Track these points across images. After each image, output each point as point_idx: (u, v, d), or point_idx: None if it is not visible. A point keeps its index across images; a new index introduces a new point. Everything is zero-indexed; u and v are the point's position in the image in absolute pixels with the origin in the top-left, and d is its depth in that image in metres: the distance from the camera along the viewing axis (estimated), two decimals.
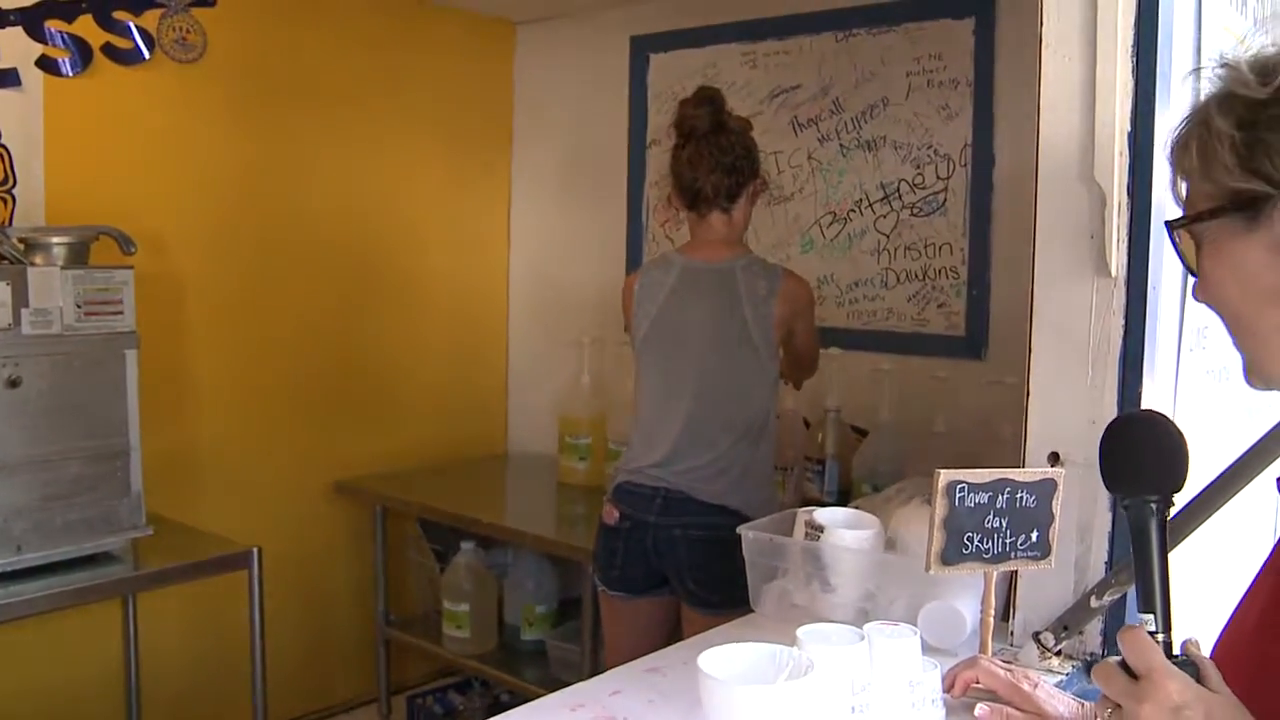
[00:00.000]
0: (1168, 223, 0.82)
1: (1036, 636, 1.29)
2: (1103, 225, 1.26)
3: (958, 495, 1.14)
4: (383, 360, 3.08)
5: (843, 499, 2.29)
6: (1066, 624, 1.28)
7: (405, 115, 3.08)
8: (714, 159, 1.98)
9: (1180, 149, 0.80)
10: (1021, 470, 1.19)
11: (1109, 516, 1.30)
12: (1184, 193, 0.82)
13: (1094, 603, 1.26)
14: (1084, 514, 1.30)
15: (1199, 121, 0.79)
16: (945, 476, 1.14)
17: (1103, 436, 0.85)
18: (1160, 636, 0.76)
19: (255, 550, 2.14)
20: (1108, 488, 1.08)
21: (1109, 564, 1.30)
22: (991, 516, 1.16)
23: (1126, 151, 1.26)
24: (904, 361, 2.50)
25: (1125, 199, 1.26)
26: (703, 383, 1.99)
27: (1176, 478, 0.80)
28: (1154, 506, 0.78)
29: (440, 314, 3.23)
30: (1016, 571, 1.33)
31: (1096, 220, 1.27)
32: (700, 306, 2.00)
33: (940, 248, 2.52)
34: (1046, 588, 1.32)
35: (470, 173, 3.29)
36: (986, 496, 1.16)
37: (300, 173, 2.85)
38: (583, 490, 2.92)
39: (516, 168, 3.40)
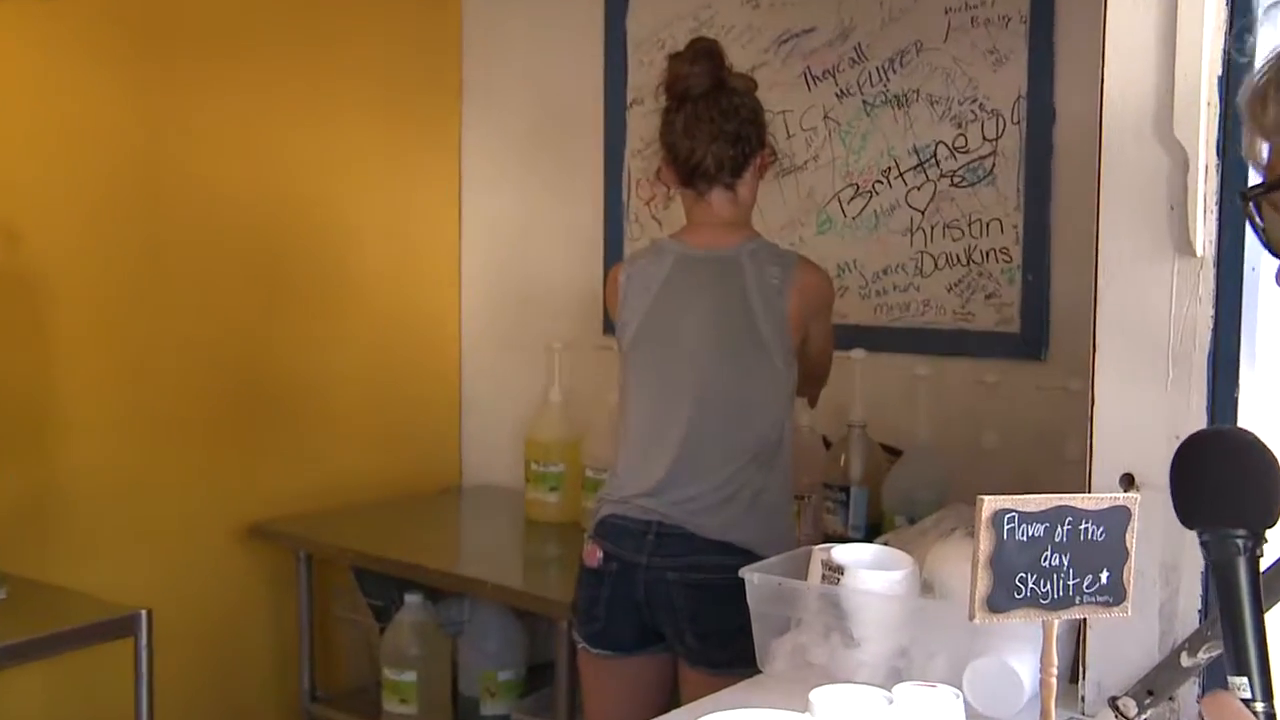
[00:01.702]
0: (1243, 193, 0.81)
1: (1114, 703, 1.28)
2: (1185, 193, 1.26)
3: (1006, 527, 1.12)
4: (306, 375, 3.07)
5: (871, 534, 2.28)
6: (1151, 688, 1.27)
7: (330, 72, 3.07)
8: (715, 126, 1.99)
9: (1257, 102, 0.79)
10: (1086, 496, 1.17)
11: (1200, 553, 1.27)
12: (1264, 156, 0.81)
13: (1185, 661, 1.25)
14: (1169, 550, 1.30)
15: None
16: (990, 504, 1.12)
17: (1175, 457, 0.85)
18: (1260, 707, 0.74)
19: (144, 613, 2.12)
20: (1181, 519, 1.07)
21: (1203, 613, 1.30)
22: (1049, 553, 1.14)
23: (1217, 101, 1.25)
24: (944, 365, 2.48)
25: (1214, 160, 1.26)
26: (703, 393, 1.98)
27: (1268, 509, 0.78)
28: (1240, 543, 0.77)
29: (377, 317, 3.22)
30: (1085, 622, 1.32)
31: (1178, 187, 1.27)
32: (699, 302, 2.01)
33: (988, 225, 2.51)
34: (1124, 642, 1.32)
35: (411, 143, 3.29)
36: (1042, 528, 1.13)
37: (198, 144, 2.83)
38: (555, 528, 2.91)
39: (468, 136, 3.39)
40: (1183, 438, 1.27)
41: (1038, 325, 2.45)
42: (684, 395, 2.00)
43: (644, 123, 2.98)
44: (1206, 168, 1.25)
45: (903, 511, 2.29)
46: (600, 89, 3.08)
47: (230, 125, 2.89)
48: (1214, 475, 0.80)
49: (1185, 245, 1.26)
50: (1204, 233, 1.26)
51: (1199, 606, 1.29)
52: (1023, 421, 2.38)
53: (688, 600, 1.94)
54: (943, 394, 2.43)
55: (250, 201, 2.94)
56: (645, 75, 2.94)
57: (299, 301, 3.05)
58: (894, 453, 2.44)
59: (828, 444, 2.50)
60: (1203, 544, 0.89)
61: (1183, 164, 1.26)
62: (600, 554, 2.02)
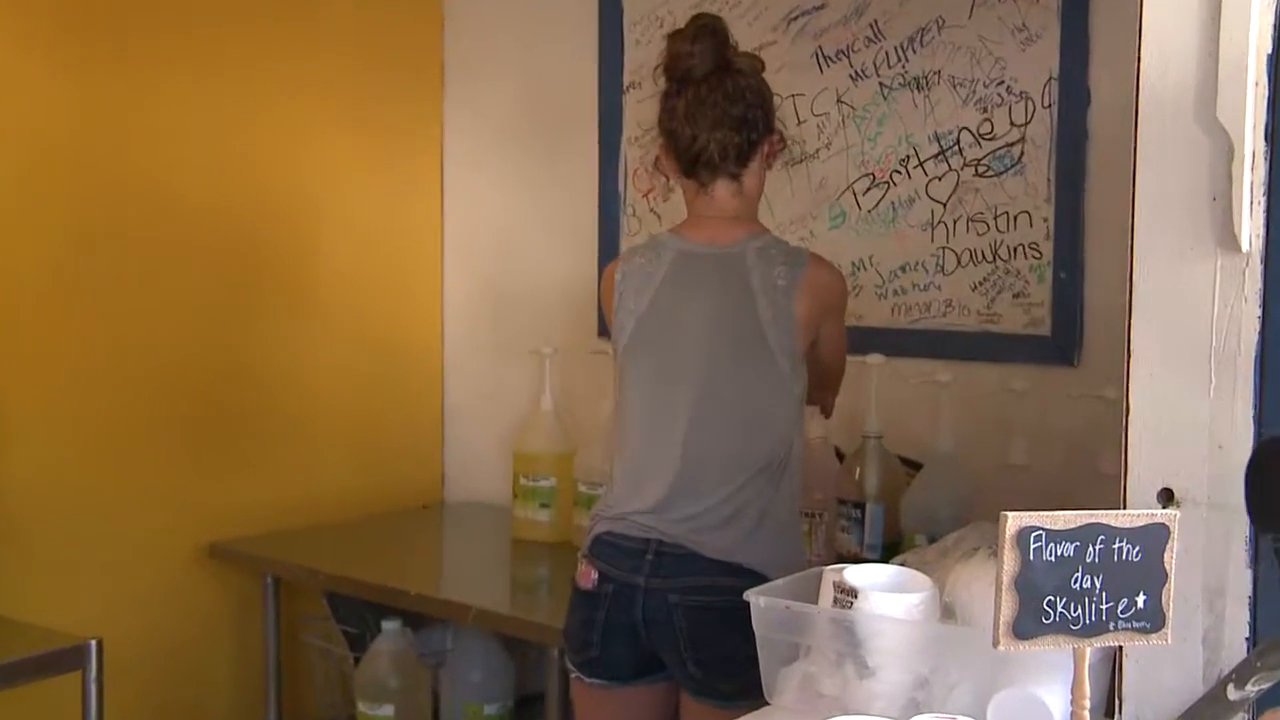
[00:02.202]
0: None
1: None
2: (1229, 183, 1.25)
3: (1033, 546, 1.12)
4: (274, 382, 3.07)
5: (888, 554, 2.28)
6: None
7: (298, 54, 3.07)
8: (719, 110, 1.98)
9: None
10: (1120, 513, 1.17)
11: (1248, 575, 1.28)
12: None
13: (1233, 694, 1.23)
14: (1213, 572, 1.29)
15: None
16: (1015, 521, 1.11)
17: (1254, 455, 0.83)
18: None
19: (93, 643, 2.11)
20: (1255, 524, 1.05)
21: (1251, 640, 1.28)
22: (1080, 574, 1.14)
23: (1265, 80, 1.24)
24: (968, 371, 2.48)
25: (1262, 146, 1.24)
26: (705, 403, 1.97)
27: None
28: None
29: (352, 320, 3.22)
30: (1121, 650, 1.31)
31: (1221, 176, 1.25)
32: (701, 302, 2.00)
33: (1016, 218, 2.51)
34: (1164, 672, 1.30)
35: (390, 131, 3.30)
36: (1073, 547, 1.13)
37: (152, 130, 2.82)
38: (546, 548, 2.91)
39: (450, 123, 3.40)
40: (1228, 448, 1.28)
41: (1070, 327, 2.44)
42: (684, 404, 1.98)
43: (642, 108, 2.97)
44: (1253, 155, 1.24)
45: (923, 530, 2.28)
46: (594, 72, 3.09)
47: (187, 110, 2.89)
48: None
49: (1229, 239, 1.25)
50: (1250, 226, 1.24)
51: (1247, 634, 1.28)
52: (1054, 432, 2.37)
53: (690, 624, 1.93)
54: (967, 402, 2.43)
55: (212, 195, 2.95)
56: (643, 56, 2.94)
57: (266, 302, 3.06)
58: (913, 466, 2.43)
59: (841, 456, 2.50)
60: (1275, 551, 0.87)
61: (1227, 150, 1.24)
62: (595, 575, 2.00)
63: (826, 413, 2.28)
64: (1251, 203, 1.24)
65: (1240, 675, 1.24)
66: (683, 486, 1.97)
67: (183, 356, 2.90)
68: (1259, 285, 1.25)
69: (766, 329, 1.95)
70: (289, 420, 3.09)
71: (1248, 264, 1.25)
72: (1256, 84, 1.24)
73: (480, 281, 3.39)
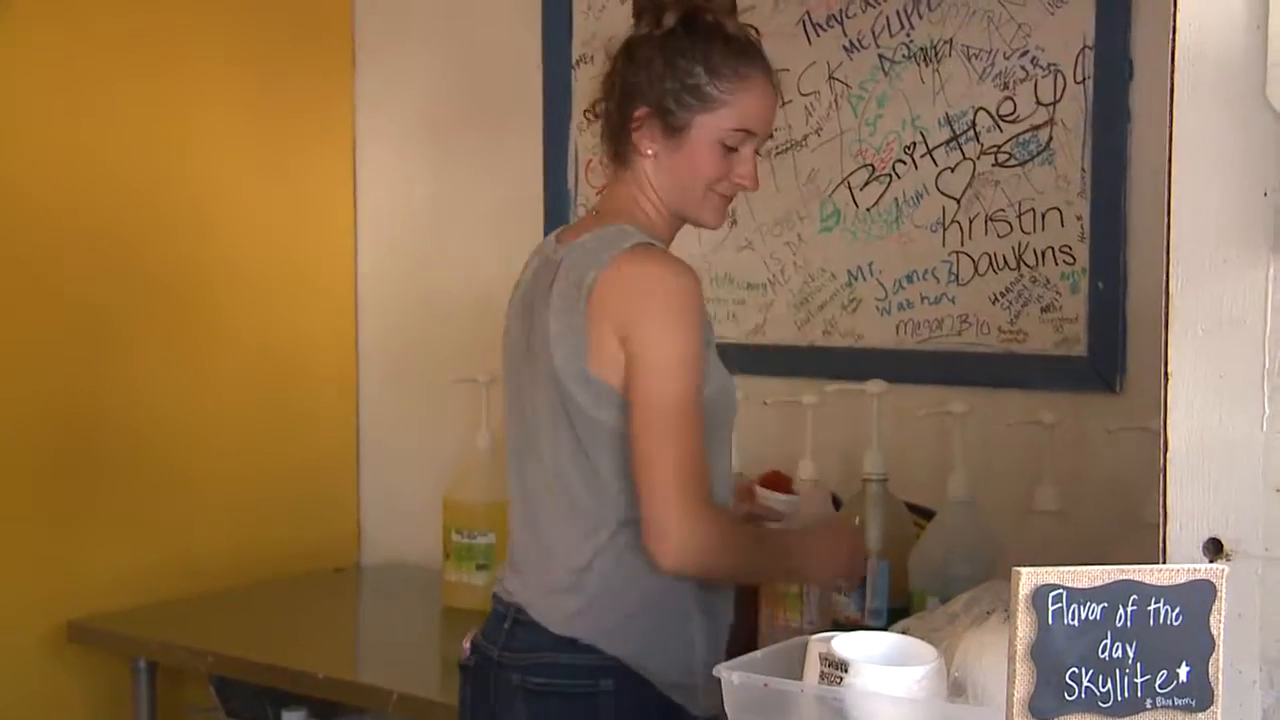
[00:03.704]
0: None
1: None
2: None
3: (1052, 608, 1.14)
4: (150, 425, 3.06)
5: (895, 620, 2.22)
6: None
7: (183, 16, 3.07)
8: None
9: None
10: (1156, 568, 1.18)
11: None
12: None
13: None
14: (1273, 639, 1.30)
15: None
16: (1030, 578, 1.13)
17: None
18: None
19: None
20: None
21: None
22: (1109, 642, 1.16)
23: None
24: (989, 399, 2.50)
25: None
26: (529, 442, 2.07)
27: None
28: None
29: (244, 344, 3.22)
30: None
31: (1272, 167, 1.28)
32: (516, 324, 2.11)
33: (1044, 216, 2.54)
34: None
35: (291, 113, 3.31)
36: (1100, 610, 1.15)
37: None
38: (483, 618, 2.88)
39: (364, 101, 3.42)
40: None
41: (1110, 347, 2.47)
42: (519, 446, 2.10)
43: (593, 86, 2.99)
44: None
45: (936, 590, 2.28)
46: (537, 45, 3.10)
47: (45, 90, 2.88)
48: None
49: None
50: None
51: None
52: (1092, 473, 2.40)
53: (530, 713, 2.00)
54: (987, 437, 2.44)
55: (75, 192, 2.94)
56: (595, 26, 2.97)
57: (136, 324, 3.04)
58: (924, 514, 2.45)
59: (837, 503, 2.51)
60: None
61: (1278, 136, 1.26)
62: (468, 645, 2.12)
63: (651, 548, 1.93)
64: None
65: None
66: (529, 541, 2.07)
67: (31, 394, 2.88)
68: None
69: (553, 351, 1.98)
70: (168, 470, 3.08)
71: None
72: None
73: (402, 294, 3.39)
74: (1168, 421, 1.34)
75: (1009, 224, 2.57)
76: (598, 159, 3.03)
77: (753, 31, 2.09)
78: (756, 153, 2.07)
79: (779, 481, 2.34)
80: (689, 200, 2.05)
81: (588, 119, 2.80)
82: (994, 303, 2.59)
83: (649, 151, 2.03)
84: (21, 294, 2.88)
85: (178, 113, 3.10)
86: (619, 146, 2.07)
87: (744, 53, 2.04)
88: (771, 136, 2.18)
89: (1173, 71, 1.33)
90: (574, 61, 3.07)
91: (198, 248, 3.15)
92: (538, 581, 2.04)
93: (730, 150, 2.02)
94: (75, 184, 2.95)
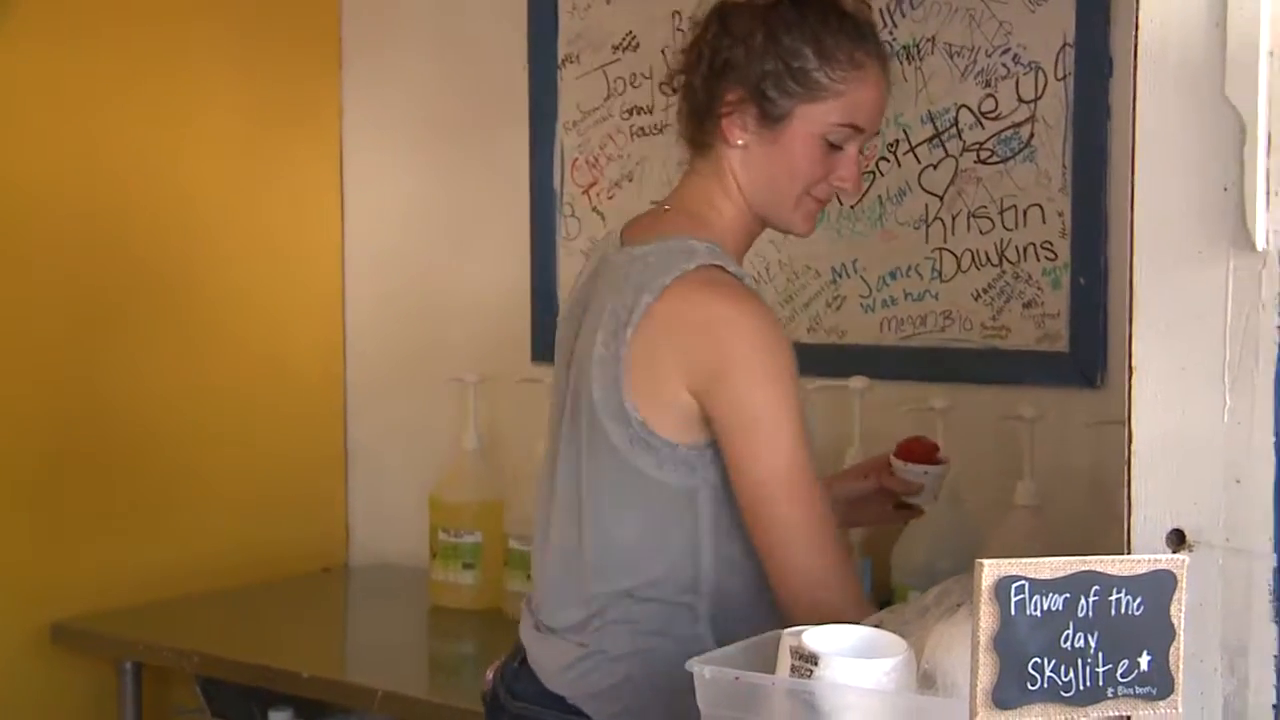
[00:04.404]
0: None
1: None
2: (1241, 170, 1.27)
3: (1014, 599, 1.14)
4: (137, 425, 3.07)
5: None
6: None
7: (172, 18, 3.08)
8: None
9: None
10: (1118, 559, 1.19)
11: (1274, 630, 1.30)
12: None
13: None
14: (1233, 628, 1.31)
15: None
16: (993, 570, 1.14)
17: None
18: None
19: None
20: None
21: (1279, 708, 1.30)
22: (1072, 632, 1.16)
23: None
24: (971, 395, 2.51)
25: (1279, 127, 1.28)
26: (563, 480, 1.85)
27: None
28: None
29: (233, 345, 3.23)
30: None
31: (1232, 162, 1.28)
32: (565, 327, 1.90)
33: (1026, 213, 2.55)
34: None
35: (278, 114, 3.31)
36: (1062, 600, 1.16)
37: None
38: (472, 618, 2.93)
39: (351, 104, 3.43)
40: (1246, 481, 1.31)
41: (1092, 342, 2.49)
42: (556, 477, 1.86)
43: (580, 86, 3.01)
44: (1269, 137, 1.25)
45: (919, 585, 2.27)
46: (523, 45, 3.11)
47: (30, 89, 2.88)
48: None
49: (1242, 237, 1.27)
50: (1266, 221, 1.26)
51: (1274, 701, 1.29)
52: (1073, 467, 2.41)
53: None
54: (968, 433, 2.45)
55: (64, 192, 2.94)
56: (580, 25, 2.98)
57: (123, 326, 3.05)
58: (907, 510, 2.46)
59: None
60: None
61: (1238, 133, 1.27)
62: (490, 676, 1.96)
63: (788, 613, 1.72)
64: (1269, 193, 1.26)
65: None
66: (556, 581, 1.87)
67: (19, 393, 2.89)
68: (1278, 290, 1.27)
69: (594, 387, 1.76)
70: (153, 468, 3.09)
71: (1264, 265, 1.27)
72: (1271, 54, 1.25)
73: (389, 295, 3.39)
74: (1132, 414, 1.35)
75: (991, 220, 2.59)
76: (583, 158, 3.06)
77: (868, 9, 1.83)
78: (861, 152, 1.84)
79: (919, 449, 2.09)
80: (780, 202, 1.82)
81: (664, 93, 2.74)
82: (976, 299, 2.60)
83: (739, 141, 1.79)
84: (7, 296, 2.88)
85: (166, 114, 3.10)
86: (702, 132, 1.82)
87: (860, 35, 1.78)
88: (879, 134, 1.95)
89: (1135, 68, 1.33)
90: (560, 61, 3.08)
91: (185, 248, 3.15)
92: (551, 627, 1.85)
93: (834, 148, 1.79)
94: (64, 185, 2.96)
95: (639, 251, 1.79)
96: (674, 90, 1.89)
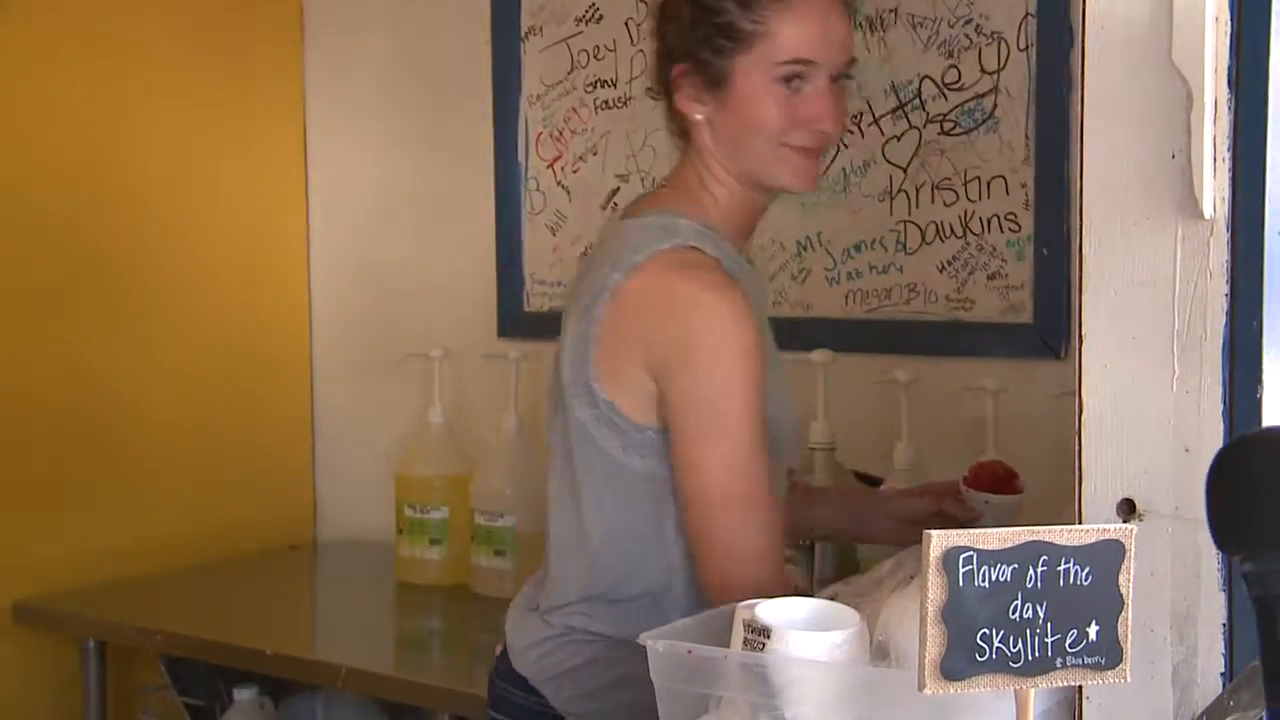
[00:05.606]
0: None
1: None
2: (1188, 137, 1.28)
3: (963, 570, 1.15)
4: (100, 400, 3.07)
5: None
6: None
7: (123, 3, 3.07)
8: None
9: None
10: (1065, 529, 1.19)
11: (1222, 598, 1.31)
12: None
13: None
14: (1181, 596, 1.32)
15: None
16: (941, 541, 1.14)
17: (1215, 465, 0.85)
18: None
19: None
20: (1219, 544, 1.08)
21: (1228, 675, 1.31)
22: (1020, 603, 1.16)
23: (1228, 17, 1.27)
24: (935, 367, 2.53)
25: (1225, 94, 1.27)
26: (556, 459, 1.86)
27: None
28: None
29: (196, 322, 3.23)
30: (1081, 691, 1.34)
31: (1179, 129, 1.29)
32: (568, 304, 1.89)
33: (989, 184, 2.56)
34: (1129, 714, 1.33)
35: (241, 92, 3.30)
36: (1010, 571, 1.16)
37: None
38: (439, 593, 2.94)
39: (313, 78, 3.43)
40: (1195, 450, 1.31)
41: (1056, 313, 2.49)
42: (552, 468, 1.88)
43: (544, 58, 3.01)
44: (1215, 103, 1.26)
45: (886, 558, 2.26)
46: (486, 18, 3.11)
47: None
48: (1266, 488, 0.82)
49: (1190, 204, 1.27)
50: (1213, 188, 1.26)
51: (1222, 668, 1.30)
52: (1038, 439, 2.39)
53: None
54: (933, 404, 2.47)
55: (19, 169, 2.93)
56: None
57: (84, 303, 3.04)
58: (871, 482, 2.44)
59: (790, 472, 2.53)
60: (1244, 576, 0.90)
61: (1185, 99, 1.27)
62: (499, 651, 1.95)
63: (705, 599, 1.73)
64: (1215, 160, 1.26)
65: (1213, 716, 1.28)
66: (553, 566, 1.87)
67: None
68: (1225, 257, 1.27)
69: (566, 364, 1.78)
70: (118, 446, 3.08)
71: (1212, 232, 1.27)
72: (1217, 20, 1.26)
73: (354, 271, 3.40)
74: (1082, 384, 1.35)
75: (955, 192, 2.59)
76: (548, 132, 3.05)
77: None
78: (837, 82, 1.77)
79: (987, 476, 1.97)
80: (758, 161, 1.77)
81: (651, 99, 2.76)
82: (941, 271, 2.61)
83: (698, 115, 1.77)
84: None
85: (126, 92, 3.09)
86: (674, 120, 1.83)
87: None
88: (854, 62, 1.81)
89: (1083, 35, 1.34)
90: (523, 34, 3.08)
91: (148, 227, 3.14)
92: (538, 610, 1.85)
93: (793, 91, 1.73)
94: (23, 165, 2.95)
95: (624, 227, 1.80)
96: (655, 98, 1.90)
